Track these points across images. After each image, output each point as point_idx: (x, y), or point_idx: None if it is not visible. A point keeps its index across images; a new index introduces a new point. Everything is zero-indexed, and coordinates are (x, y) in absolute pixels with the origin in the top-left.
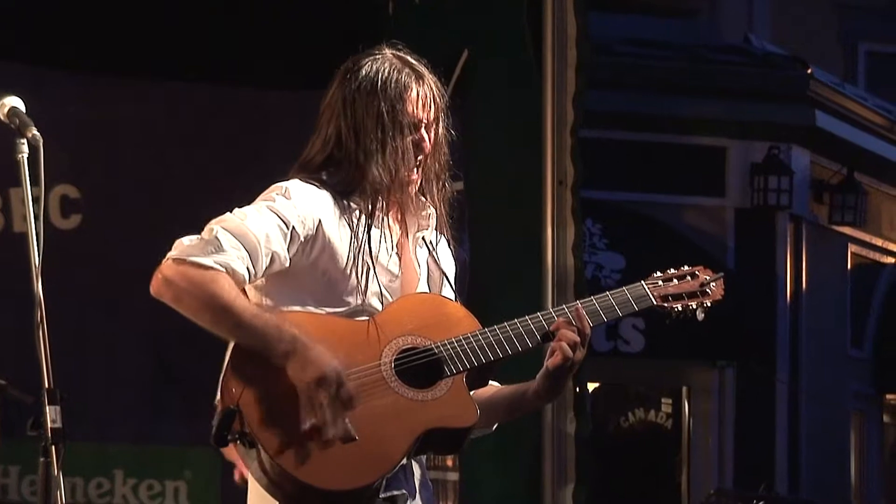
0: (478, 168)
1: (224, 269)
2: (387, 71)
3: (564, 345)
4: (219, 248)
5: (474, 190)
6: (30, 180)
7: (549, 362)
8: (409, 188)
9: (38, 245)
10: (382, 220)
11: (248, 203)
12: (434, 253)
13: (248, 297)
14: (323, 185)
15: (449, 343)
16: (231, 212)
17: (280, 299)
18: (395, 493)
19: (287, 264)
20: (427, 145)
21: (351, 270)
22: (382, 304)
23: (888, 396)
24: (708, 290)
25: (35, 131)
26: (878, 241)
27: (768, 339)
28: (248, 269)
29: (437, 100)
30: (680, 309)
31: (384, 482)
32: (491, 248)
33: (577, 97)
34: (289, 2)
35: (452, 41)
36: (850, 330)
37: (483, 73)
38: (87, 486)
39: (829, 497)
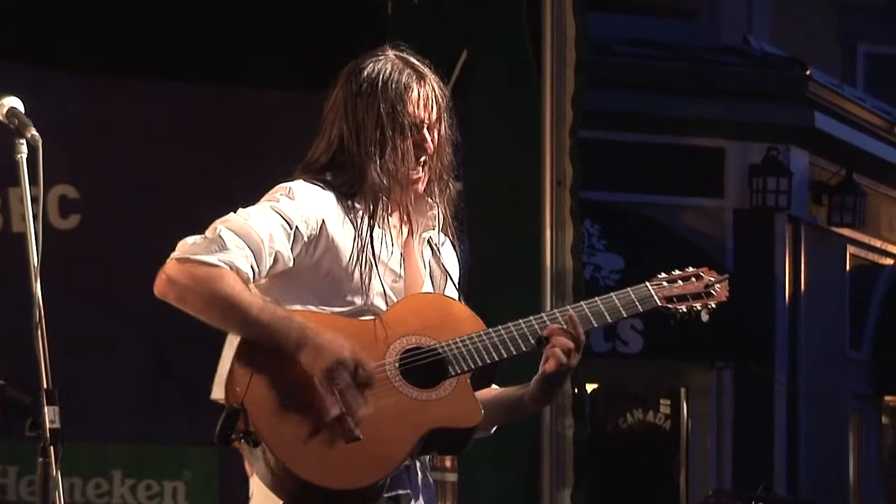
0: (477, 168)
1: (228, 267)
2: (388, 72)
3: (558, 351)
4: (223, 247)
5: (473, 190)
6: (29, 180)
7: (544, 368)
8: (413, 189)
9: (36, 245)
10: (387, 220)
11: (249, 203)
12: (438, 253)
13: None
14: (327, 185)
15: (453, 343)
16: (235, 212)
17: (284, 299)
18: (400, 492)
19: (291, 264)
20: (429, 146)
21: (354, 270)
22: (387, 304)
23: (887, 397)
24: (713, 291)
25: (34, 131)
26: (877, 243)
27: (767, 340)
28: (252, 267)
29: (440, 100)
30: (684, 310)
31: (388, 482)
32: (490, 249)
33: (576, 97)
34: (288, 2)
35: (451, 41)
36: (848, 331)
37: (482, 74)
38: (85, 486)
39: (827, 498)
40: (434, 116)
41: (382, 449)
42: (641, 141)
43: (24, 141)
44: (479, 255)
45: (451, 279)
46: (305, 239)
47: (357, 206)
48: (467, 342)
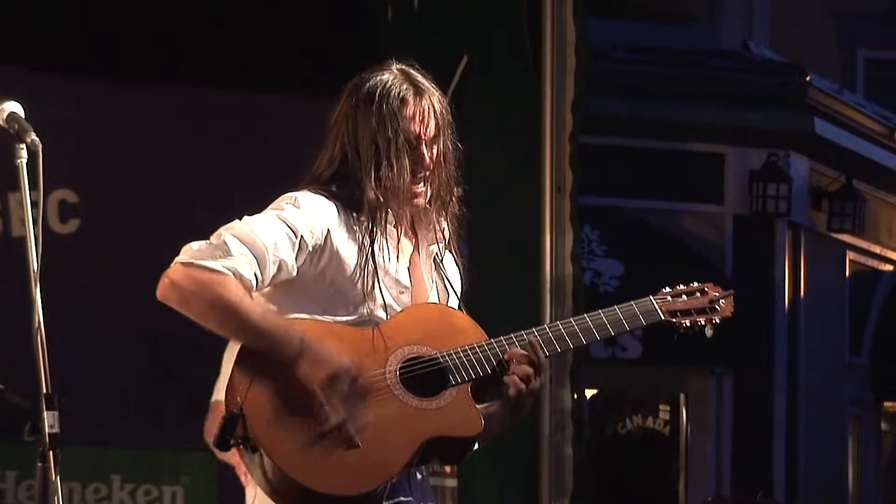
0: (476, 173)
1: (231, 274)
2: (385, 87)
3: (516, 378)
4: (227, 253)
5: (472, 195)
6: (29, 185)
7: (506, 393)
8: (414, 203)
9: (36, 249)
10: (392, 232)
11: (248, 207)
12: (442, 267)
13: None
14: (332, 196)
15: (455, 353)
16: (239, 219)
17: (287, 307)
18: (402, 499)
19: (294, 273)
20: (427, 161)
21: (358, 281)
22: (389, 315)
23: (886, 403)
24: (717, 306)
25: (34, 136)
26: (877, 249)
27: (766, 346)
28: (255, 275)
29: (438, 115)
30: (688, 325)
31: (389, 489)
32: (489, 254)
33: (576, 103)
34: (288, 6)
35: (451, 47)
36: (848, 337)
37: (482, 79)
38: (84, 491)
39: (826, 503)
40: (432, 131)
41: (382, 456)
42: (641, 146)
43: (24, 145)
44: (479, 261)
45: (455, 292)
46: (310, 248)
47: (361, 217)
48: (468, 352)
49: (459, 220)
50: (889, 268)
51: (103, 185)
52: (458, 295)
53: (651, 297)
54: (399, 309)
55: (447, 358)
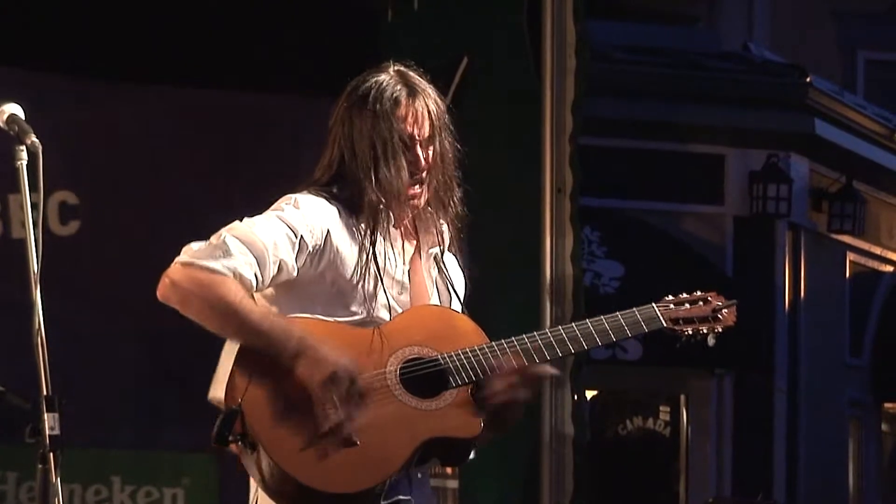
0: (476, 175)
1: (231, 274)
2: (379, 89)
3: (496, 392)
4: (227, 253)
5: (472, 197)
6: (29, 187)
7: (488, 404)
8: (413, 204)
9: (36, 251)
10: (392, 233)
11: (248, 207)
12: (444, 270)
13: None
14: (333, 198)
15: (455, 355)
16: (240, 219)
17: (288, 308)
18: (402, 498)
19: (295, 273)
20: (423, 163)
21: (359, 282)
22: (391, 315)
23: (886, 405)
24: (720, 316)
25: (34, 138)
26: (877, 250)
27: (767, 347)
28: (255, 275)
29: (433, 116)
30: (690, 333)
31: (387, 488)
32: (489, 255)
33: (576, 104)
34: (288, 7)
35: (451, 48)
36: (848, 338)
37: (482, 80)
38: (84, 492)
39: None
40: (426, 132)
41: (380, 455)
42: (641, 148)
43: (24, 147)
44: (479, 262)
45: (457, 295)
46: (310, 249)
47: (361, 219)
48: (469, 354)
49: (461, 221)
50: (889, 269)
51: (103, 186)
52: (461, 298)
53: (654, 304)
54: (399, 310)
55: (448, 360)
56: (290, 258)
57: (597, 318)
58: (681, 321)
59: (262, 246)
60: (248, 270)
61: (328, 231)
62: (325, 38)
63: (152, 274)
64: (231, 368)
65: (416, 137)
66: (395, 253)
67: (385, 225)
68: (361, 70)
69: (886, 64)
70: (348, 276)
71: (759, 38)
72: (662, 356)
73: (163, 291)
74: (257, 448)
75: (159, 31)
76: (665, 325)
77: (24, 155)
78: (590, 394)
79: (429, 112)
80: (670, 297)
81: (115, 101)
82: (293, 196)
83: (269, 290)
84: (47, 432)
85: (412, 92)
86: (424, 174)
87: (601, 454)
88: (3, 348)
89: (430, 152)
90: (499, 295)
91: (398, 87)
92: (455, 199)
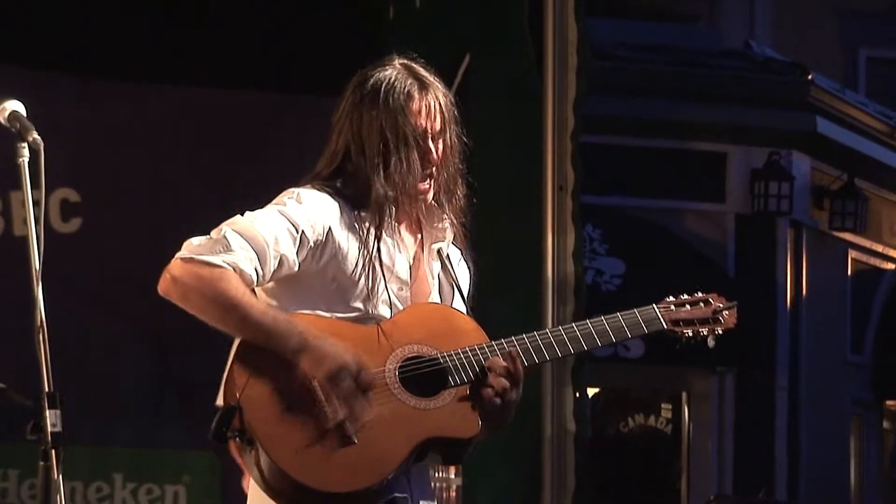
0: (478, 173)
1: (232, 268)
2: (390, 82)
3: (490, 392)
4: (227, 248)
5: (474, 194)
6: (30, 184)
7: (481, 404)
8: (422, 199)
9: (38, 249)
10: (395, 230)
11: (249, 205)
12: (448, 265)
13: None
14: (336, 193)
15: (455, 354)
16: (241, 214)
17: (289, 303)
18: (398, 495)
19: (296, 268)
20: (434, 157)
21: (360, 278)
22: (392, 312)
23: (888, 402)
24: (720, 317)
25: (36, 135)
26: (879, 247)
27: (768, 345)
28: (256, 269)
29: (444, 109)
30: (690, 334)
31: (386, 486)
32: (491, 253)
33: (578, 102)
34: (290, 5)
35: (453, 46)
36: (849, 336)
37: (484, 78)
38: (86, 490)
39: (828, 503)
40: (438, 126)
41: (377, 454)
42: (643, 145)
43: (25, 145)
44: (480, 260)
45: (461, 292)
46: (311, 244)
47: (364, 214)
48: (469, 353)
49: (465, 214)
50: (891, 266)
51: (105, 184)
52: (464, 293)
53: (654, 305)
54: (400, 306)
55: (447, 359)
56: (291, 253)
57: (597, 319)
58: (681, 322)
59: (263, 240)
60: (249, 265)
61: (329, 226)
62: (326, 37)
63: (153, 270)
64: (229, 364)
65: (430, 131)
66: (397, 248)
67: (390, 220)
68: (363, 68)
69: (888, 62)
70: (349, 272)
71: (760, 35)
72: (664, 354)
73: (163, 286)
74: (255, 445)
75: (160, 30)
76: (665, 326)
77: (26, 152)
78: (591, 391)
79: (440, 105)
80: (671, 298)
81: (116, 100)
82: (295, 190)
83: (270, 285)
84: (49, 429)
85: (423, 86)
86: (435, 168)
87: (603, 452)
88: (4, 345)
89: (441, 146)
90: (500, 292)
91: (409, 80)
92: (460, 192)
